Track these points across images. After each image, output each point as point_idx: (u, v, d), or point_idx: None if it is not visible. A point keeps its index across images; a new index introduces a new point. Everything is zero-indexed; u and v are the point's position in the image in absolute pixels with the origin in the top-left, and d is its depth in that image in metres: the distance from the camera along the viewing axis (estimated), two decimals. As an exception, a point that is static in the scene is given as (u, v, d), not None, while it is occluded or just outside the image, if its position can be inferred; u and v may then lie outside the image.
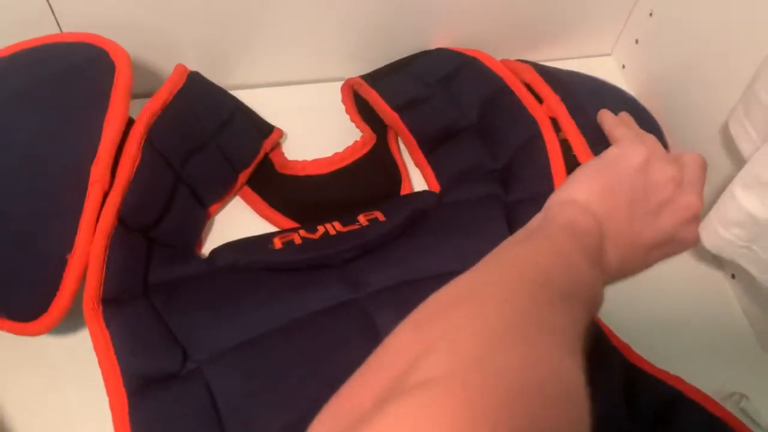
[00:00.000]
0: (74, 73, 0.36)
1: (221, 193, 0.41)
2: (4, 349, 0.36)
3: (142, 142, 0.36)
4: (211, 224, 0.42)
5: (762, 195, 0.33)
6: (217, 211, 0.42)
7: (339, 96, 0.47)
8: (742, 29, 0.39)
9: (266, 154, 0.43)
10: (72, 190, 0.33)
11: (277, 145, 0.45)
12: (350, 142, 0.45)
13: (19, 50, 0.38)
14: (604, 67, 0.54)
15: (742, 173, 0.34)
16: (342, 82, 0.48)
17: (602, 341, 0.36)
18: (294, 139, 0.46)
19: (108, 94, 0.35)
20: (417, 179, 0.45)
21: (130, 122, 0.36)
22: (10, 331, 0.34)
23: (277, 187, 0.42)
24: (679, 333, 0.40)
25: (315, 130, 0.46)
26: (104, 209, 0.33)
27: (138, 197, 0.35)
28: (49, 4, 0.41)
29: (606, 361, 0.35)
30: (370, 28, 0.47)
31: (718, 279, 0.44)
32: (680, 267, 0.43)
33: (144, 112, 0.37)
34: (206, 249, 0.40)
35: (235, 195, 0.43)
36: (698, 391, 0.36)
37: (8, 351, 0.36)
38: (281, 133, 0.45)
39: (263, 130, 0.44)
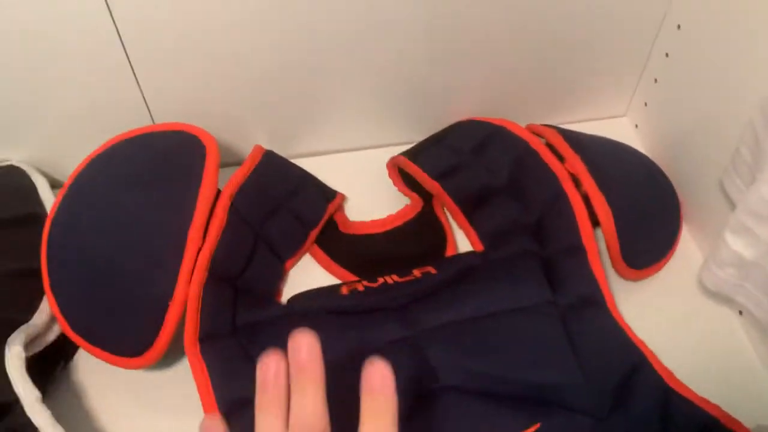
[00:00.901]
0: (174, 155, 0.45)
1: (295, 249, 0.49)
2: (112, 380, 0.44)
3: (228, 207, 0.44)
4: (288, 278, 0.49)
5: (747, 238, 0.39)
6: (292, 266, 0.50)
7: (383, 161, 0.55)
8: (738, 91, 0.45)
9: (331, 216, 0.51)
10: (173, 249, 0.41)
11: (339, 209, 0.52)
12: (400, 204, 0.52)
13: (128, 138, 0.47)
14: (619, 127, 0.61)
15: (731, 220, 0.40)
16: (385, 148, 0.56)
17: (644, 365, 0.40)
18: (350, 198, 0.54)
19: (201, 171, 0.43)
20: (463, 242, 0.51)
21: (218, 193, 0.44)
22: (118, 364, 0.42)
23: (340, 245, 0.50)
24: (689, 368, 0.42)
25: (368, 192, 0.54)
26: (197, 263, 0.41)
27: (224, 252, 0.42)
28: (144, 99, 0.50)
29: (645, 385, 0.39)
30: (406, 101, 0.55)
31: (726, 315, 0.48)
32: (689, 303, 0.48)
33: (229, 183, 0.45)
34: (284, 299, 0.47)
35: (306, 252, 0.50)
36: (735, 420, 0.38)
37: (115, 381, 0.44)
38: (344, 197, 0.53)
39: (328, 194, 0.51)
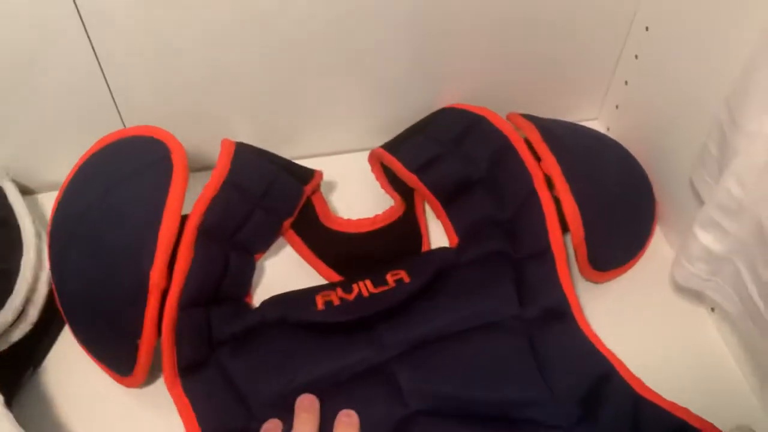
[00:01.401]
0: (140, 178, 0.42)
1: (268, 242, 0.48)
2: (83, 387, 0.43)
3: (194, 240, 0.42)
4: (260, 268, 0.49)
5: (715, 233, 0.39)
6: (263, 256, 0.49)
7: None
8: (705, 90, 0.46)
9: (309, 198, 0.50)
10: (137, 288, 0.39)
11: (317, 188, 0.51)
12: (387, 205, 0.52)
13: (93, 153, 0.45)
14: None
15: (699, 215, 0.41)
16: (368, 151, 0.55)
17: (612, 375, 0.40)
18: (336, 201, 0.54)
19: (165, 197, 0.40)
20: (439, 231, 0.52)
21: (185, 216, 0.42)
22: (114, 379, 0.43)
23: (319, 236, 0.50)
24: (662, 367, 0.42)
25: (355, 195, 0.54)
26: (167, 305, 0.40)
27: (195, 284, 0.41)
28: (116, 107, 0.50)
29: (613, 395, 0.39)
30: (389, 99, 0.55)
31: (698, 313, 0.48)
32: (662, 302, 0.48)
33: (194, 210, 0.42)
34: (256, 291, 0.47)
35: (279, 237, 0.50)
36: (705, 422, 0.38)
37: (86, 389, 0.43)
38: (321, 175, 0.51)
39: (304, 177, 0.50)
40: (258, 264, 0.49)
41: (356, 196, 0.54)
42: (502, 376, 0.40)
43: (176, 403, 0.40)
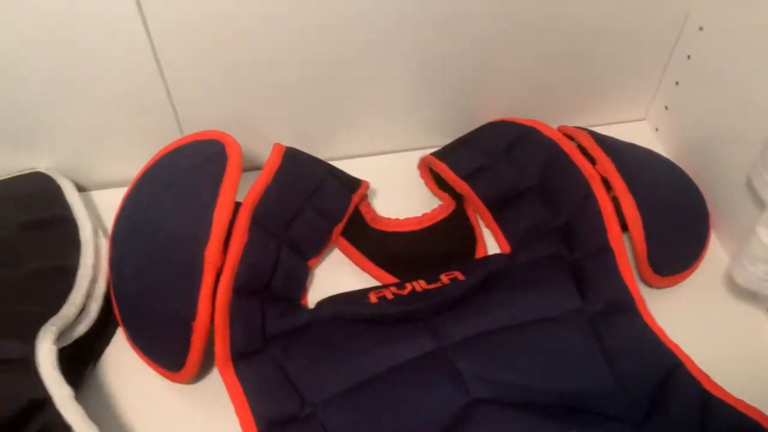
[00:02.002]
0: (198, 169, 0.44)
1: (319, 246, 0.49)
2: (141, 383, 0.44)
3: (248, 225, 0.43)
4: (312, 275, 0.49)
5: (781, 234, 0.39)
6: (317, 263, 0.49)
7: (412, 164, 0.55)
8: (763, 92, 0.45)
9: (356, 207, 0.51)
10: (192, 270, 0.40)
11: (365, 198, 0.52)
12: (428, 206, 0.52)
13: (169, 150, 0.47)
14: (639, 131, 0.61)
15: (764, 216, 0.40)
16: (414, 151, 0.56)
17: (679, 369, 0.40)
18: (379, 201, 0.54)
19: (219, 185, 0.41)
20: (489, 240, 0.51)
21: (239, 203, 0.43)
22: (165, 377, 0.43)
23: (369, 239, 0.50)
24: (719, 369, 0.41)
25: (398, 195, 0.54)
26: (220, 285, 0.40)
27: (248, 269, 0.42)
28: (172, 104, 0.50)
29: (681, 390, 0.39)
30: (436, 104, 0.55)
31: (756, 316, 0.47)
32: (718, 306, 0.48)
33: (248, 197, 0.44)
34: (309, 297, 0.47)
35: (331, 247, 0.50)
36: None
37: (144, 384, 0.44)
38: (368, 185, 0.52)
39: (351, 185, 0.51)
40: (311, 272, 0.49)
41: (396, 198, 0.54)
42: (567, 366, 0.39)
43: (228, 387, 0.39)
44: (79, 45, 0.45)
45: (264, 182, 0.45)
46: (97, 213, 0.53)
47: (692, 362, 0.41)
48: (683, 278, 0.49)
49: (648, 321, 0.43)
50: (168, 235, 0.42)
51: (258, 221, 0.43)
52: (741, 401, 0.39)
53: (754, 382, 0.42)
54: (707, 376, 0.40)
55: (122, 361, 0.44)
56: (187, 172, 0.44)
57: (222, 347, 0.40)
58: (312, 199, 0.48)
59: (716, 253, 0.51)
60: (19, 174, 0.52)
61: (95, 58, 0.46)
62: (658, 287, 0.48)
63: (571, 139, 0.50)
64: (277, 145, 0.49)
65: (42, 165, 0.52)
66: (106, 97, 0.49)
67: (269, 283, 0.44)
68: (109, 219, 0.52)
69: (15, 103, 0.48)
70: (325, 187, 0.49)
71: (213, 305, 0.40)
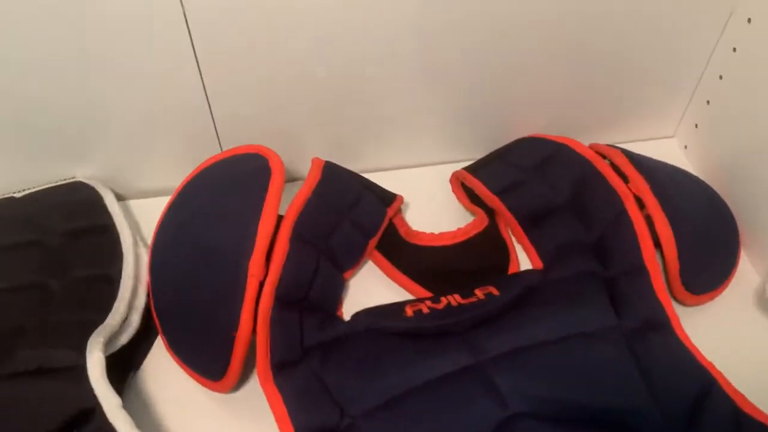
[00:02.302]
0: (242, 182, 0.45)
1: (355, 259, 0.49)
2: (180, 391, 0.44)
3: (290, 235, 0.43)
4: (347, 287, 0.50)
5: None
6: (351, 275, 0.50)
7: (444, 177, 0.56)
8: None
9: (390, 221, 0.51)
10: (235, 281, 0.41)
11: (399, 212, 0.53)
12: (460, 221, 0.53)
13: (212, 163, 0.48)
14: (667, 148, 0.61)
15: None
16: (445, 165, 0.57)
17: (714, 388, 0.40)
18: (411, 213, 0.55)
19: (263, 199, 0.43)
20: (521, 256, 0.52)
21: (281, 216, 0.44)
22: (205, 386, 0.44)
23: (403, 253, 0.50)
24: (750, 388, 0.41)
25: (429, 208, 0.55)
26: (263, 296, 0.41)
27: (289, 280, 0.42)
28: (211, 115, 0.51)
29: (716, 409, 0.39)
30: (468, 119, 0.56)
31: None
32: (749, 328, 0.48)
33: (289, 211, 0.45)
34: (345, 309, 0.48)
35: (366, 260, 0.51)
36: None
37: (183, 393, 0.44)
38: (402, 200, 0.53)
39: (386, 199, 0.52)
40: (346, 285, 0.50)
41: (427, 212, 0.55)
42: (604, 382, 0.39)
43: (268, 398, 0.40)
44: (124, 55, 0.46)
45: (305, 196, 0.46)
46: (134, 222, 0.54)
47: (726, 381, 0.41)
48: (714, 296, 0.49)
49: (683, 339, 0.43)
50: (211, 246, 0.42)
51: (299, 234, 0.44)
52: None
53: None
54: (742, 395, 0.40)
55: (162, 370, 0.45)
56: (231, 186, 0.45)
57: (263, 358, 0.40)
58: (350, 213, 0.49)
59: (746, 271, 0.52)
60: (59, 183, 0.52)
61: (139, 69, 0.47)
62: (690, 305, 0.48)
63: (604, 157, 0.51)
64: (316, 160, 0.49)
65: (81, 174, 0.53)
66: (148, 108, 0.50)
67: (308, 294, 0.44)
68: (145, 228, 0.53)
69: (58, 111, 0.49)
70: (362, 200, 0.50)
71: (255, 316, 0.41)
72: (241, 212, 0.43)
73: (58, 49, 0.45)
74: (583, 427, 0.38)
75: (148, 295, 0.46)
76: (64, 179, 0.53)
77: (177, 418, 0.43)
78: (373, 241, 0.50)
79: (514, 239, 0.53)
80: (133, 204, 0.55)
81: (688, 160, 0.60)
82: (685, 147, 0.61)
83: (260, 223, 0.41)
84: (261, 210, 0.42)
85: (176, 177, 0.50)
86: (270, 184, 0.43)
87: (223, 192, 0.45)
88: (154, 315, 0.46)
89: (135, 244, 0.48)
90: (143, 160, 0.53)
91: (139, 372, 0.45)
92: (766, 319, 0.49)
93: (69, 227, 0.48)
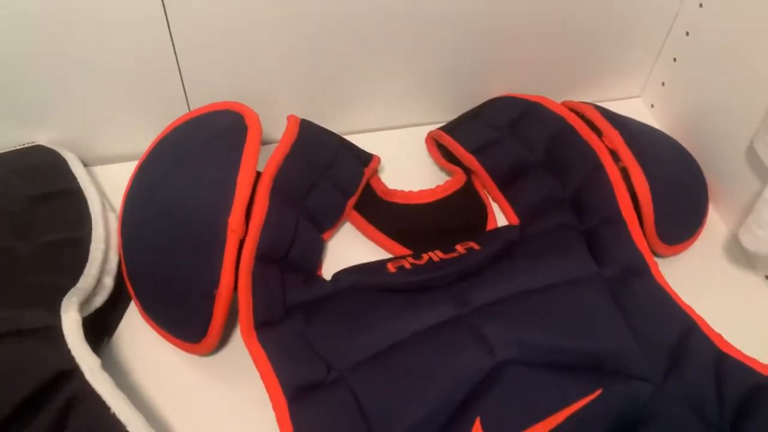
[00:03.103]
0: (217, 139, 0.44)
1: (334, 219, 0.49)
2: (156, 357, 0.43)
3: (269, 192, 0.42)
4: (326, 248, 0.49)
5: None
6: (330, 236, 0.49)
7: (419, 139, 0.55)
8: (757, 71, 0.47)
9: (367, 181, 0.51)
10: (215, 238, 0.40)
11: (375, 172, 0.52)
12: (435, 181, 0.52)
13: (185, 120, 0.46)
14: (634, 108, 0.62)
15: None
16: (419, 127, 0.56)
17: (694, 329, 0.41)
18: (387, 175, 0.54)
19: (240, 154, 0.42)
20: (498, 216, 0.52)
21: (259, 174, 0.43)
22: (184, 350, 0.42)
23: (382, 212, 0.50)
24: (721, 330, 0.42)
25: (404, 169, 0.55)
26: (244, 252, 0.40)
27: (270, 237, 0.41)
28: (180, 75, 0.49)
29: (697, 349, 0.40)
30: (441, 80, 0.56)
31: (752, 281, 0.49)
32: (718, 276, 0.49)
33: (269, 165, 0.44)
34: (324, 270, 0.47)
35: (345, 220, 0.50)
36: None
37: (160, 358, 0.43)
38: (379, 160, 0.52)
39: (363, 158, 0.51)
40: (325, 246, 0.49)
41: (403, 173, 0.55)
42: (589, 327, 0.40)
43: (253, 355, 0.39)
44: (86, 8, 0.44)
45: (283, 152, 0.45)
46: (100, 188, 0.52)
47: (705, 323, 0.42)
48: (687, 247, 0.50)
49: (662, 284, 0.44)
50: (188, 205, 0.41)
51: (278, 190, 0.43)
52: (753, 359, 0.40)
53: (755, 345, 0.43)
54: (720, 335, 0.41)
55: (136, 336, 0.44)
56: (206, 143, 0.43)
57: (246, 315, 0.39)
58: (328, 172, 0.48)
59: (715, 223, 0.53)
60: (18, 148, 0.50)
61: (101, 22, 0.45)
62: (664, 256, 0.49)
63: (577, 113, 0.51)
64: (292, 117, 0.48)
65: (42, 139, 0.51)
66: (111, 66, 0.48)
67: (288, 253, 0.43)
68: (111, 195, 0.51)
69: (12, 68, 0.46)
70: (339, 159, 0.49)
71: (235, 274, 0.39)
72: (217, 168, 0.42)
73: (14, 2, 0.42)
74: (573, 371, 0.38)
75: (119, 259, 0.45)
76: (23, 144, 0.50)
77: (155, 384, 0.42)
78: (351, 201, 0.49)
79: (490, 198, 0.53)
80: (98, 170, 0.53)
81: (654, 119, 0.61)
82: (652, 106, 0.62)
83: (239, 177, 0.40)
84: (239, 164, 0.41)
85: (142, 141, 0.49)
86: (247, 139, 0.42)
87: (197, 149, 0.43)
88: (127, 280, 0.44)
89: (103, 207, 0.46)
90: (107, 124, 0.51)
91: (112, 339, 0.44)
92: (734, 268, 0.50)
93: (32, 192, 0.46)
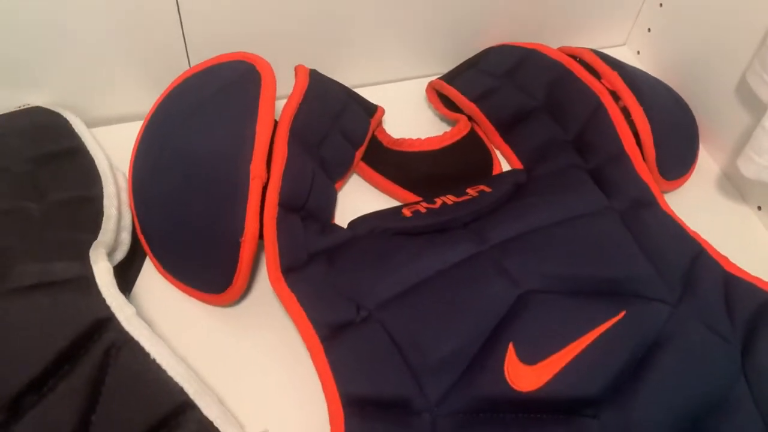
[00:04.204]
0: (230, 87, 0.43)
1: (345, 169, 0.49)
2: (175, 311, 0.43)
3: (287, 140, 0.43)
4: (336, 200, 0.49)
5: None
6: (341, 187, 0.50)
7: (418, 91, 0.56)
8: (745, 14, 0.49)
9: (373, 132, 0.51)
10: (236, 186, 0.39)
11: (380, 123, 0.53)
12: (436, 132, 0.53)
13: (195, 72, 0.46)
14: (620, 55, 0.63)
15: (770, 111, 0.44)
16: (415, 80, 0.57)
17: (703, 254, 0.43)
18: (388, 128, 0.55)
19: (257, 102, 0.41)
20: (502, 163, 0.53)
21: (275, 122, 0.43)
22: (207, 302, 0.42)
23: (389, 161, 0.50)
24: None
25: (405, 122, 0.55)
26: (267, 199, 0.40)
27: (291, 184, 0.42)
28: (182, 30, 0.49)
29: (707, 272, 0.42)
30: (438, 31, 0.56)
31: (744, 212, 0.52)
32: (711, 209, 0.52)
33: (284, 114, 0.44)
34: (336, 221, 0.47)
35: (353, 171, 0.51)
36: None
37: (178, 313, 0.43)
38: (383, 111, 0.53)
39: (369, 109, 0.52)
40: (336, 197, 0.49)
41: (404, 125, 0.55)
42: (607, 255, 0.41)
43: (282, 299, 0.39)
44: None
45: (296, 100, 0.45)
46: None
47: (712, 247, 0.44)
48: (683, 182, 0.52)
49: (670, 213, 0.46)
50: (204, 155, 0.41)
51: (295, 138, 0.43)
52: (758, 278, 0.42)
53: (752, 271, 0.45)
54: (725, 258, 0.43)
55: (154, 291, 0.43)
56: (219, 93, 0.43)
57: (273, 260, 0.39)
58: (338, 121, 0.48)
59: (705, 160, 0.55)
60: (16, 109, 0.49)
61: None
62: (664, 191, 0.51)
63: (574, 57, 0.52)
64: (301, 67, 0.48)
65: (37, 102, 0.50)
66: (110, 22, 0.47)
67: (307, 201, 0.44)
68: (114, 156, 0.50)
69: (5, 30, 0.45)
70: (348, 109, 0.49)
71: (260, 220, 0.40)
72: (234, 117, 0.41)
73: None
74: (596, 296, 0.39)
75: (132, 216, 0.44)
76: (19, 106, 0.49)
77: (177, 338, 0.41)
78: (360, 152, 0.50)
79: (492, 145, 0.54)
80: (98, 131, 0.52)
81: (642, 66, 0.63)
82: (638, 53, 0.63)
83: (257, 123, 0.40)
84: (256, 111, 0.40)
85: (142, 101, 0.48)
86: (262, 85, 0.42)
87: (210, 100, 0.43)
88: (141, 237, 0.44)
89: (111, 166, 0.46)
90: (105, 83, 0.50)
91: (130, 297, 0.43)
92: (727, 201, 0.53)
93: (35, 153, 0.45)
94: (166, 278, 0.44)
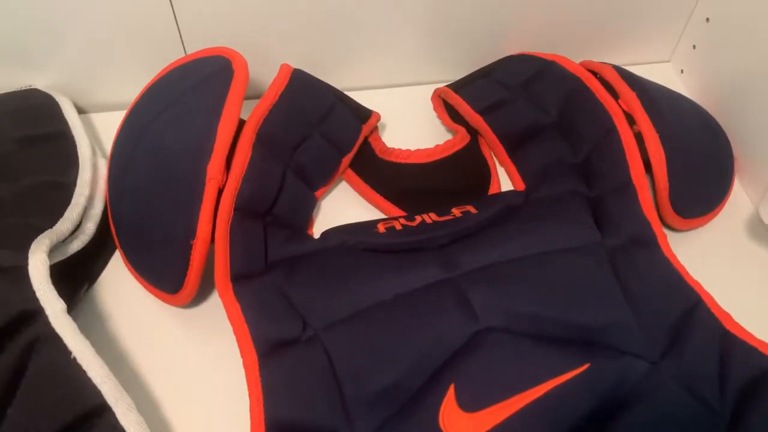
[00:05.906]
0: (203, 83, 0.42)
1: (327, 176, 0.46)
2: (136, 306, 0.42)
3: (252, 141, 0.41)
4: (319, 207, 0.47)
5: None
6: (324, 194, 0.47)
7: (424, 98, 0.53)
8: None
9: (366, 138, 0.48)
10: (194, 186, 0.38)
11: (375, 130, 0.50)
12: (439, 140, 0.50)
13: (173, 67, 0.45)
14: (663, 73, 0.58)
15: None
16: (426, 86, 0.53)
17: (700, 307, 0.38)
18: (389, 136, 0.52)
19: (224, 100, 0.40)
20: (503, 179, 0.49)
21: (243, 121, 0.41)
22: (163, 300, 0.41)
23: (378, 171, 0.47)
24: (737, 312, 0.39)
25: (408, 129, 0.52)
26: (222, 202, 0.38)
27: (251, 189, 0.40)
28: (176, 21, 0.48)
29: (701, 329, 0.37)
30: (453, 36, 0.53)
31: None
32: (739, 254, 0.46)
33: (253, 114, 0.42)
34: (315, 229, 0.46)
35: (339, 178, 0.48)
36: None
37: (139, 308, 0.42)
38: (379, 117, 0.50)
39: (362, 115, 0.49)
40: (318, 204, 0.47)
41: (406, 133, 0.52)
42: (582, 299, 0.37)
43: (227, 308, 0.37)
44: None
45: (270, 101, 0.43)
46: (95, 135, 0.51)
47: (713, 300, 0.39)
48: (705, 222, 0.47)
49: (669, 257, 0.41)
50: (169, 151, 0.40)
51: (263, 141, 0.41)
52: (763, 342, 0.37)
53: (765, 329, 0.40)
54: (728, 314, 0.38)
55: (119, 285, 0.43)
56: (191, 88, 0.41)
57: (222, 266, 0.38)
58: (321, 125, 0.46)
59: (739, 198, 0.49)
60: (14, 90, 0.49)
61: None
62: (680, 230, 0.46)
63: (595, 74, 0.48)
64: (284, 66, 0.46)
65: (41, 83, 0.50)
66: (109, 12, 0.46)
67: (273, 207, 0.42)
68: (106, 142, 0.50)
69: (12, 16, 0.45)
70: (334, 113, 0.47)
71: (214, 224, 0.38)
72: (200, 114, 0.40)
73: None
74: (559, 343, 0.35)
75: (106, 205, 0.44)
76: (19, 87, 0.50)
77: (130, 332, 0.41)
78: (347, 159, 0.47)
79: (496, 161, 0.50)
80: (95, 117, 0.52)
81: (684, 86, 0.57)
82: (682, 71, 0.58)
83: (220, 122, 0.38)
84: (221, 110, 0.39)
85: (139, 90, 0.47)
86: (232, 83, 0.40)
87: (183, 95, 0.42)
88: (112, 227, 0.43)
89: (93, 153, 0.45)
90: (104, 70, 0.50)
91: (95, 287, 0.43)
92: (757, 247, 0.47)
93: (22, 134, 0.45)
94: (129, 271, 0.43)
